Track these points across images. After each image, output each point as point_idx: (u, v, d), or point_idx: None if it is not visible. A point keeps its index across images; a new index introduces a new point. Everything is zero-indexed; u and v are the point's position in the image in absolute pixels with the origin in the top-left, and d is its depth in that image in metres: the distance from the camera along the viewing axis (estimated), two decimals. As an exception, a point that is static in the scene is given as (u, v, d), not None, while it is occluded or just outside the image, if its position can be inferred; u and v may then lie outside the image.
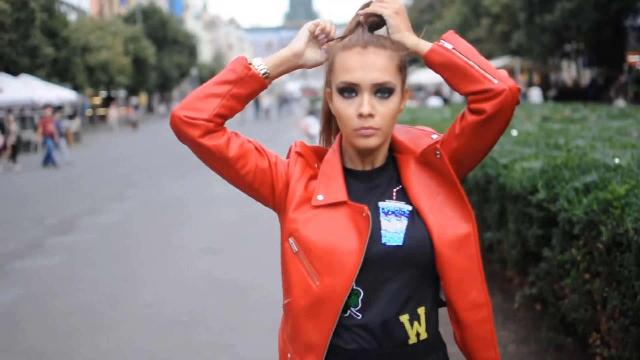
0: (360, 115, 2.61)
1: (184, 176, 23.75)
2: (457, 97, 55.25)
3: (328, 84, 2.77)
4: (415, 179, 2.73)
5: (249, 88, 2.76)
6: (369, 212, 2.63)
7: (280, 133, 44.10)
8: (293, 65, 2.81)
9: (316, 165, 2.81)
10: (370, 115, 2.61)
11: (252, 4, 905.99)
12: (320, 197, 2.70)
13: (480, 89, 2.60)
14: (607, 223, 4.68)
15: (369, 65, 2.63)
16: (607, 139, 8.87)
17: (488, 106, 2.59)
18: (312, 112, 44.93)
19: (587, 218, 4.94)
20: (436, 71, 2.70)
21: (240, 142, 2.80)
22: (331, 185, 2.72)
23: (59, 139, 30.98)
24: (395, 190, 2.73)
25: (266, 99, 68.53)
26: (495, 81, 2.59)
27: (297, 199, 2.74)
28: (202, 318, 8.74)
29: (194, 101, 2.72)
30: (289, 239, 2.72)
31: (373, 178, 2.75)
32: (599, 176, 5.41)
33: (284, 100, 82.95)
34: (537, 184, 6.09)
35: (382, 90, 2.63)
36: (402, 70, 2.71)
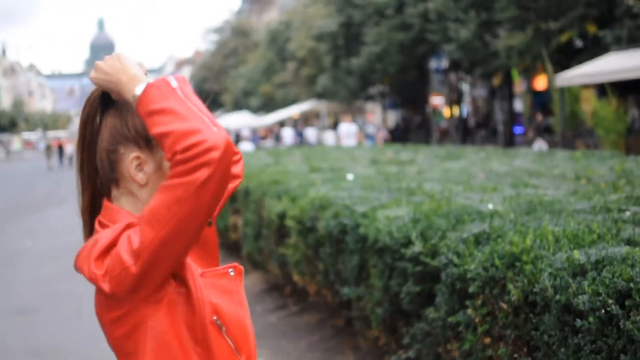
0: None
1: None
2: (268, 143, 55.06)
3: (149, 148, 2.38)
4: None
5: None
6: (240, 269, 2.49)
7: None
8: None
9: None
10: None
11: (51, 50, 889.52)
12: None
13: None
14: (515, 280, 4.08)
15: None
16: (460, 181, 8.42)
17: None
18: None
19: (486, 274, 4.33)
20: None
21: None
22: None
23: None
24: None
25: (69, 145, 66.83)
26: None
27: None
28: (22, 394, 7.76)
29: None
30: (214, 318, 2.33)
31: None
32: (488, 225, 4.85)
33: None
34: (410, 235, 5.48)
35: None
36: None
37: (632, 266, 3.49)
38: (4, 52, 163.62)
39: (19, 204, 30.21)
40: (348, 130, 31.77)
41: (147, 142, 2.31)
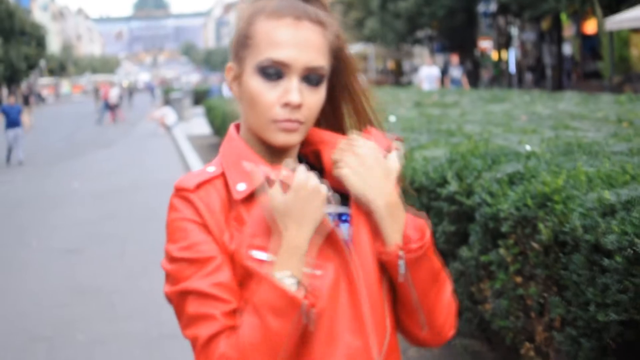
0: (286, 105, 2.03)
1: (38, 171, 22.49)
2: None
3: (238, 59, 2.12)
4: None
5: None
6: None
7: (133, 123, 42.91)
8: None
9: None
10: (299, 106, 2.03)
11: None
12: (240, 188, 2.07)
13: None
14: (546, 220, 4.09)
15: (304, 42, 2.05)
16: (501, 123, 8.39)
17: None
18: (167, 102, 44.24)
19: (519, 214, 4.34)
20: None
21: None
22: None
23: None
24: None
25: (116, 89, 67.31)
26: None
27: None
28: (67, 330, 7.91)
29: None
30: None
31: None
32: (523, 165, 4.85)
33: (133, 90, 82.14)
34: (446, 174, 5.49)
35: (313, 77, 2.06)
36: (331, 55, 2.14)
37: (662, 206, 3.48)
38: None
39: (68, 146, 30.49)
40: (429, 73, 28.85)
41: (236, 55, 2.14)
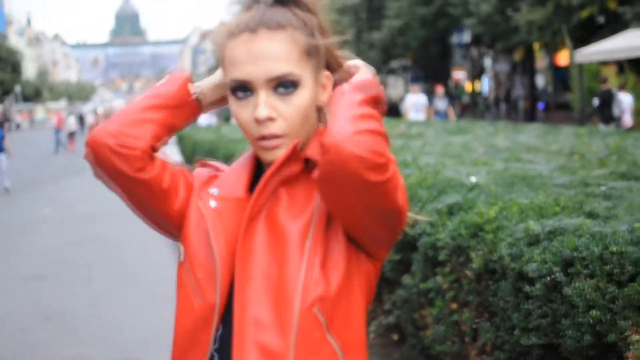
0: (257, 121, 2.06)
1: (9, 198, 22.54)
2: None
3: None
4: None
5: (185, 118, 2.26)
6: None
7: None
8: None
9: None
10: (270, 119, 2.06)
11: (77, 20, 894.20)
12: (214, 191, 2.21)
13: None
14: (477, 249, 4.30)
15: (259, 55, 2.06)
16: (456, 155, 8.60)
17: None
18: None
19: (454, 243, 4.56)
20: None
21: (169, 167, 2.30)
22: (233, 179, 2.21)
23: None
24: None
25: (90, 115, 67.46)
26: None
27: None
28: (29, 355, 8.02)
29: (126, 126, 2.15)
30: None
31: None
32: (462, 196, 5.06)
33: (109, 116, 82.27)
34: (392, 205, 5.68)
35: (284, 85, 2.06)
36: (312, 53, 2.13)
37: (580, 236, 3.67)
38: (29, 21, 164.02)
39: (40, 173, 30.54)
40: (415, 102, 25.74)
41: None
